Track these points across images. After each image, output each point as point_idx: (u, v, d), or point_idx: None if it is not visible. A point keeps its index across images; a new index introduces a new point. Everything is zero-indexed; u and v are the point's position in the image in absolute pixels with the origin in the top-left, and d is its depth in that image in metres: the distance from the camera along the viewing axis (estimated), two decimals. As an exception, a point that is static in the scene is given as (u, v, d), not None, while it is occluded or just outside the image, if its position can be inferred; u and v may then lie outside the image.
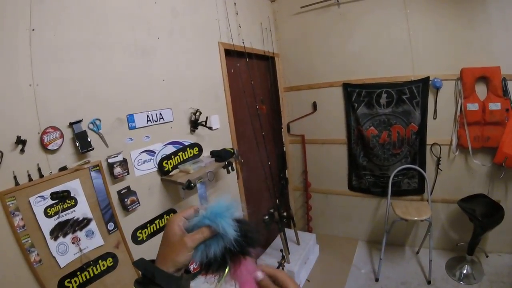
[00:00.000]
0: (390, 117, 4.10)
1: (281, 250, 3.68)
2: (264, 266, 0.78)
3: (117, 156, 2.11)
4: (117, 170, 2.11)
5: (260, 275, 0.75)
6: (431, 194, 4.01)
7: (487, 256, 3.96)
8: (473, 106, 3.61)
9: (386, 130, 4.16)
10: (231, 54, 3.43)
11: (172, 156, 2.59)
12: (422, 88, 3.86)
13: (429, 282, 3.70)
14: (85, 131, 1.91)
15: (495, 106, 3.52)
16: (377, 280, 3.89)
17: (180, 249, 0.74)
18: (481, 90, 3.64)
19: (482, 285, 3.56)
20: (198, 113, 2.82)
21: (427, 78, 3.82)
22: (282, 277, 0.76)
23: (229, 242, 0.74)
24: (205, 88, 3.06)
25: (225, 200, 0.80)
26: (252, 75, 3.75)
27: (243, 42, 3.59)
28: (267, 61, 4.36)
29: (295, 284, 0.76)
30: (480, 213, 3.51)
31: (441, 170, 4.02)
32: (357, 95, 4.22)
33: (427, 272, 3.80)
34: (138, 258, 0.77)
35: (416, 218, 3.66)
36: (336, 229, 4.99)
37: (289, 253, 3.75)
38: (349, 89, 4.26)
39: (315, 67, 4.49)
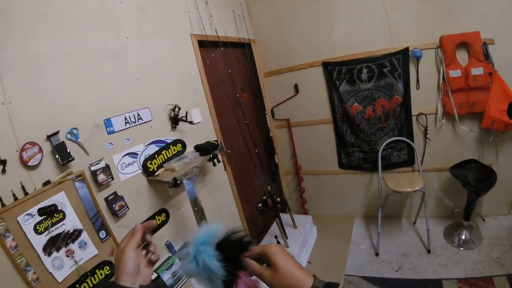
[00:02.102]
0: (373, 92, 4.08)
1: (275, 237, 3.68)
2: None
3: (99, 163, 2.07)
4: (101, 177, 2.07)
5: None
6: (421, 164, 4.04)
7: (484, 220, 4.03)
8: (455, 73, 3.61)
9: (370, 105, 4.14)
10: (205, 44, 3.35)
11: (156, 156, 2.54)
12: (403, 59, 3.84)
13: (429, 251, 3.77)
14: (63, 142, 1.86)
15: (477, 71, 3.52)
16: (377, 254, 3.94)
17: (123, 258, 0.82)
18: (462, 56, 3.63)
19: (482, 249, 3.62)
20: (177, 109, 2.76)
21: (407, 49, 3.80)
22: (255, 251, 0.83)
23: (220, 275, 0.78)
24: (182, 82, 3.00)
25: (204, 230, 0.86)
26: (229, 64, 3.69)
27: (216, 32, 3.52)
28: (243, 48, 4.30)
29: (260, 246, 0.84)
30: (472, 179, 3.54)
31: (429, 140, 4.04)
32: (338, 72, 4.19)
33: (426, 241, 3.85)
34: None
35: (409, 189, 3.70)
36: (331, 209, 5.02)
37: (287, 238, 3.75)
38: (329, 67, 4.23)
39: (293, 49, 4.45)
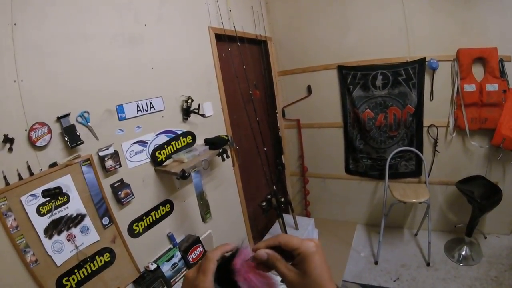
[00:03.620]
0: (386, 99, 4.05)
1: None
2: (262, 243, 0.70)
3: (108, 149, 2.05)
4: (109, 163, 2.05)
5: (264, 254, 0.67)
6: (428, 176, 4.01)
7: (486, 238, 4.00)
8: (470, 87, 3.57)
9: (382, 112, 4.11)
10: (222, 38, 3.33)
11: (165, 146, 2.52)
12: (418, 69, 3.80)
13: (428, 264, 3.74)
14: (73, 124, 1.84)
15: (492, 87, 3.48)
16: (376, 263, 3.91)
17: None
18: (478, 71, 3.58)
19: (480, 266, 3.59)
20: (190, 101, 2.74)
21: (423, 59, 3.76)
22: (283, 240, 0.68)
23: None
24: (196, 74, 2.98)
25: None
26: (244, 60, 3.66)
27: (234, 26, 3.48)
28: (259, 45, 4.26)
29: (297, 239, 0.67)
30: (478, 195, 3.52)
31: (439, 152, 4.00)
32: (352, 77, 4.16)
33: (426, 254, 3.83)
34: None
35: (414, 200, 3.67)
36: (334, 213, 5.01)
37: (287, 239, 3.72)
38: (344, 71, 4.20)
39: (309, 50, 4.41)
